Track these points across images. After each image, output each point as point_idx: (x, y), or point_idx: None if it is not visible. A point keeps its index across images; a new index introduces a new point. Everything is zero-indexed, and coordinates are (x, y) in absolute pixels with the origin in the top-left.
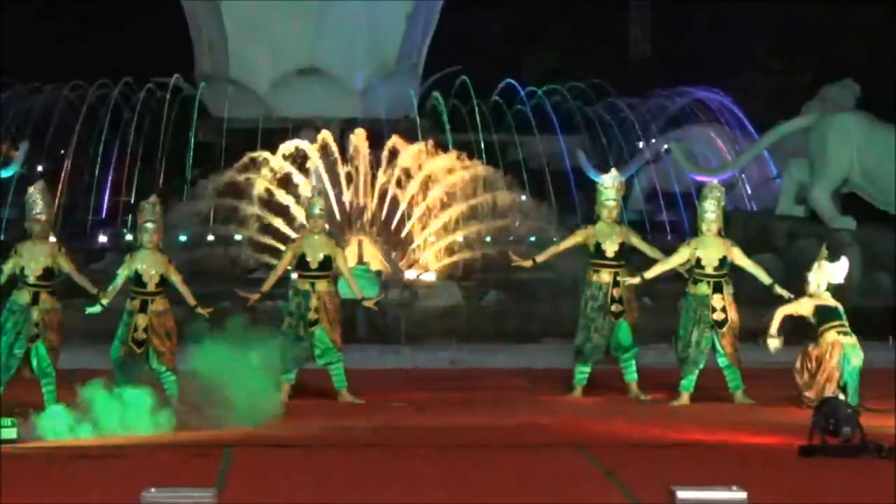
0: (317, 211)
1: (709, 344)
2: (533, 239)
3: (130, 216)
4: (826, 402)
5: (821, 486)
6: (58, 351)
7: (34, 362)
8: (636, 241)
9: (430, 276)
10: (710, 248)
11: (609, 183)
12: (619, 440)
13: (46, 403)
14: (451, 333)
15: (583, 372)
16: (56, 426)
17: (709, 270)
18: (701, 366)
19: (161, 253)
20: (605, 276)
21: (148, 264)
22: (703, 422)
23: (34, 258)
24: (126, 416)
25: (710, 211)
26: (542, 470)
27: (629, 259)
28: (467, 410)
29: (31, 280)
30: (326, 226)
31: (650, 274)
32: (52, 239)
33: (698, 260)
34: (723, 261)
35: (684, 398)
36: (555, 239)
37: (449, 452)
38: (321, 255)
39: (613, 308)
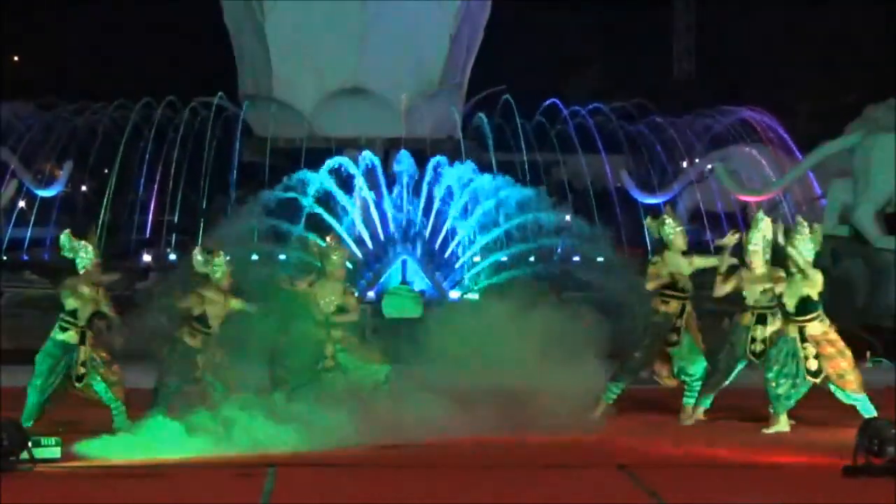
0: (335, 259)
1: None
2: (577, 258)
3: (174, 236)
4: (870, 423)
5: None
6: (120, 380)
7: (97, 395)
8: (700, 261)
9: (474, 296)
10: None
11: (676, 216)
12: (663, 460)
13: (116, 428)
14: None
15: (614, 391)
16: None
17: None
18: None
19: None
20: (674, 306)
21: (216, 308)
22: (746, 442)
23: (86, 303)
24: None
25: (754, 243)
26: (586, 490)
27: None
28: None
29: (83, 322)
30: (344, 273)
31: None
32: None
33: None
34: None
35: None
36: (600, 259)
37: (492, 472)
38: (333, 306)
39: (671, 338)
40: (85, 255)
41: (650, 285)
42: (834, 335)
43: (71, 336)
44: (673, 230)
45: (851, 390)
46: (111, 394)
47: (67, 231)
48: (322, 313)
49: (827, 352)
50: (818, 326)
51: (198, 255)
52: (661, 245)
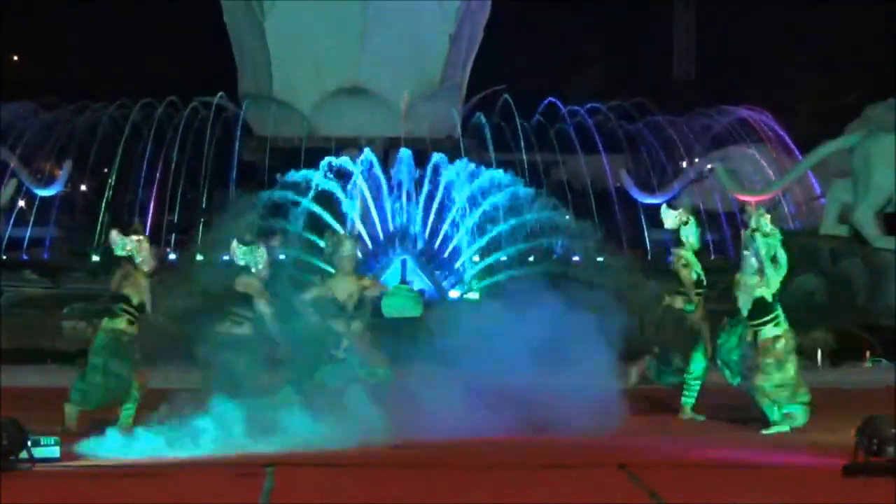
0: (346, 252)
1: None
2: (577, 258)
3: (174, 235)
4: (869, 422)
5: None
6: (146, 383)
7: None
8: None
9: (473, 296)
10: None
11: (692, 221)
12: (663, 460)
13: (121, 423)
14: None
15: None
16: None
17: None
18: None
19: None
20: (699, 301)
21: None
22: (746, 441)
23: (144, 294)
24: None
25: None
26: (586, 490)
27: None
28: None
29: (140, 313)
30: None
31: None
32: None
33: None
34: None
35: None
36: (599, 259)
37: (492, 472)
38: (354, 298)
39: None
40: (140, 249)
41: (693, 294)
42: (782, 343)
43: (136, 329)
44: (693, 229)
45: (764, 400)
46: (136, 393)
47: (117, 229)
48: (341, 305)
49: (763, 363)
50: (771, 330)
51: (237, 247)
52: (678, 241)
